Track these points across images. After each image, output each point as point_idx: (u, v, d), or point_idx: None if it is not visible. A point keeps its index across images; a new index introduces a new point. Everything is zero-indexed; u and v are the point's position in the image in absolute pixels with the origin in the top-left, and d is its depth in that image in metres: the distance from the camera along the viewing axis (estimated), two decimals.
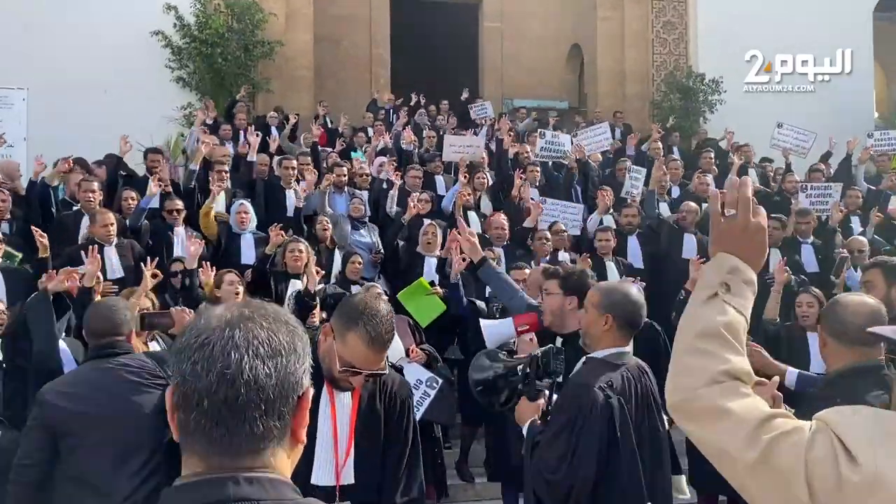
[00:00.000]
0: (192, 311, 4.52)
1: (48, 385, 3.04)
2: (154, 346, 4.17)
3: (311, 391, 1.11)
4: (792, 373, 3.91)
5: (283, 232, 6.31)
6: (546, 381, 2.74)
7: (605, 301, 2.80)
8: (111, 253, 6.07)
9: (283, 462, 1.07)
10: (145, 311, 4.25)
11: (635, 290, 2.91)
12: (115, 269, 5.99)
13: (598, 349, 2.81)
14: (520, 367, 2.80)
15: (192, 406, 1.01)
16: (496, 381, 2.85)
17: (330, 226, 7.11)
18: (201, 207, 7.30)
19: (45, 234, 5.64)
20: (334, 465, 2.45)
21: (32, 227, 5.69)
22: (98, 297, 4.88)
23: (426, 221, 7.16)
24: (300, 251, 5.96)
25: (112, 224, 6.18)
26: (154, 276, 4.80)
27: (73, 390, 2.96)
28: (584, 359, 2.87)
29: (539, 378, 2.74)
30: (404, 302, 5.72)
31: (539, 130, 10.53)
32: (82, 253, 5.30)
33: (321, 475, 2.44)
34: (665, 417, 2.76)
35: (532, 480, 2.70)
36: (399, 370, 5.11)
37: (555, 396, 2.77)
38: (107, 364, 3.02)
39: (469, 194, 8.13)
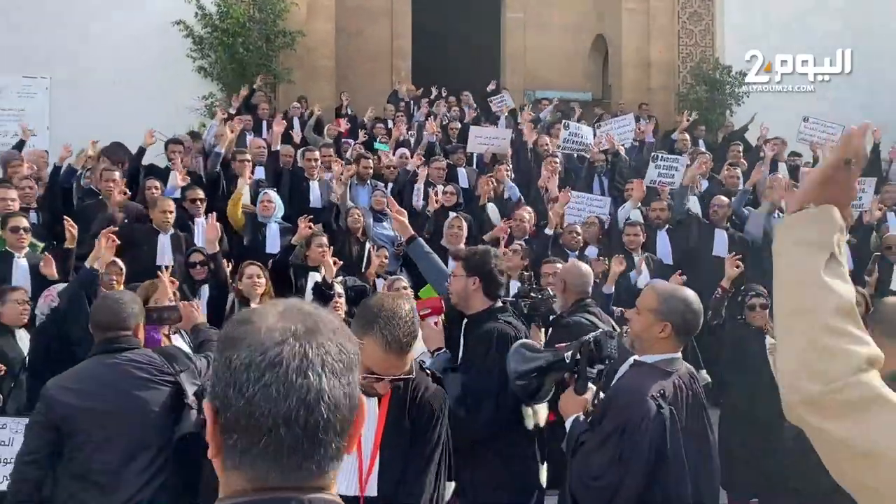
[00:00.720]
0: (198, 301, 4.44)
1: (53, 380, 2.99)
2: (177, 341, 4.08)
3: (365, 400, 1.04)
4: None
5: (311, 224, 6.22)
6: (598, 366, 2.66)
7: (664, 308, 2.68)
8: (164, 240, 6.08)
9: (335, 479, 1.00)
10: (152, 305, 4.15)
11: (693, 297, 2.77)
12: (167, 258, 5.97)
13: (649, 354, 2.70)
14: (568, 355, 2.71)
15: (262, 431, 0.92)
16: (546, 369, 2.75)
17: (361, 217, 7.02)
18: (224, 195, 7.26)
19: (75, 225, 5.59)
20: (358, 474, 2.33)
21: (64, 217, 5.63)
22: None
23: (451, 214, 7.04)
24: (324, 245, 5.89)
25: (171, 212, 6.23)
26: (171, 282, 4.64)
27: (79, 386, 2.90)
28: (631, 360, 2.77)
29: (592, 364, 2.65)
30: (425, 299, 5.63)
31: (563, 122, 10.36)
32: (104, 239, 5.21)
33: (344, 485, 2.30)
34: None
35: (572, 482, 2.63)
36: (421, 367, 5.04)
37: (600, 394, 2.70)
38: (113, 359, 2.96)
39: (493, 185, 8.01)
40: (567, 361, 2.69)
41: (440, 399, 2.46)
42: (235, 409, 0.93)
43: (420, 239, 3.97)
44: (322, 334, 0.97)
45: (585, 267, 4.30)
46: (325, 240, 6.03)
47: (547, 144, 9.72)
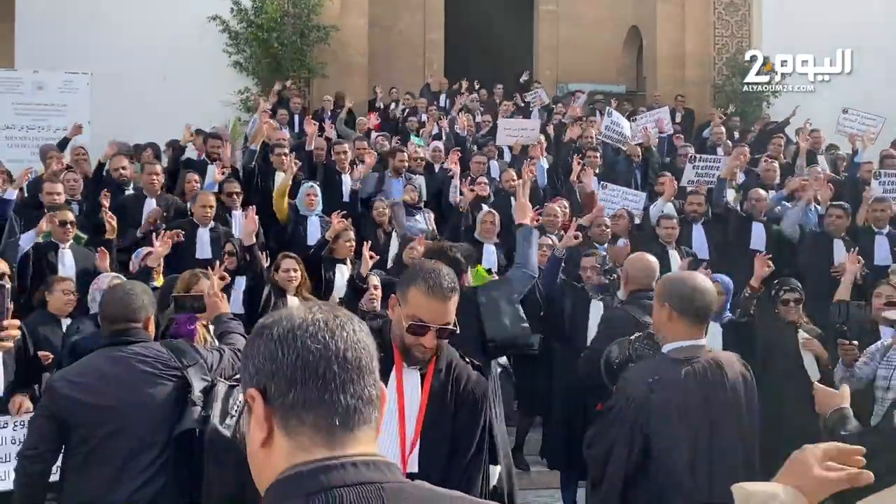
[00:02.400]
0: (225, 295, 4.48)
1: (59, 373, 2.93)
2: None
3: (386, 390, 1.14)
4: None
5: (344, 219, 6.30)
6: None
7: (664, 290, 2.72)
8: (204, 234, 6.19)
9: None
10: (178, 293, 4.16)
11: (698, 277, 2.77)
12: (205, 250, 6.08)
13: (668, 343, 2.70)
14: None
15: (317, 375, 1.03)
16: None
17: (387, 210, 7.08)
18: (259, 189, 7.37)
19: (115, 217, 5.74)
20: (400, 450, 2.36)
21: (103, 209, 5.79)
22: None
23: (485, 208, 7.07)
24: (353, 240, 5.99)
25: (211, 206, 6.33)
26: (222, 278, 4.70)
27: (84, 379, 2.82)
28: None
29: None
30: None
31: (607, 109, 10.28)
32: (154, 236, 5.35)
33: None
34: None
35: None
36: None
37: None
38: (120, 353, 2.87)
39: (529, 175, 8.02)
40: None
41: (483, 387, 2.52)
42: (289, 366, 1.03)
43: (528, 226, 3.84)
44: (342, 309, 1.13)
45: (651, 260, 4.23)
46: (352, 234, 6.11)
47: (591, 137, 9.71)
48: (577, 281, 5.90)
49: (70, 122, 8.98)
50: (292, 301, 5.19)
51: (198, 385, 2.88)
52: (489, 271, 6.13)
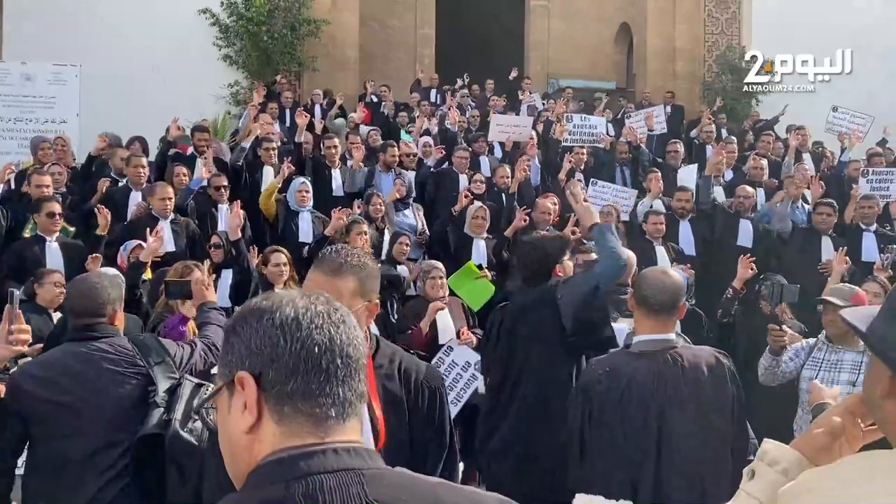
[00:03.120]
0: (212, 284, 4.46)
1: (20, 367, 2.87)
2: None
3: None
4: None
5: (344, 216, 6.23)
6: None
7: (634, 284, 2.90)
8: (165, 226, 6.14)
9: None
10: (169, 278, 4.12)
11: (661, 272, 2.85)
12: (168, 243, 6.06)
13: (637, 336, 2.81)
14: None
15: (319, 367, 1.04)
16: None
17: (383, 207, 7.08)
18: (250, 185, 7.35)
19: (109, 212, 5.72)
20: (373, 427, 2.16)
21: (98, 206, 5.76)
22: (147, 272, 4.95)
23: (476, 203, 7.07)
24: (366, 232, 5.94)
25: (171, 198, 6.25)
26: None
27: (45, 374, 2.72)
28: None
29: None
30: (455, 288, 5.68)
31: (567, 115, 10.28)
32: (147, 230, 5.32)
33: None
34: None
35: None
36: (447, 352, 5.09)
37: None
38: (84, 349, 2.76)
39: (522, 172, 8.04)
40: None
41: (438, 378, 2.32)
42: (292, 355, 1.04)
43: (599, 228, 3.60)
44: (341, 306, 1.14)
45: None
46: (365, 227, 6.04)
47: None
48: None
49: (58, 114, 8.96)
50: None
51: (163, 385, 2.79)
52: (480, 267, 6.14)
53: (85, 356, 2.75)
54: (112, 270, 4.54)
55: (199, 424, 2.64)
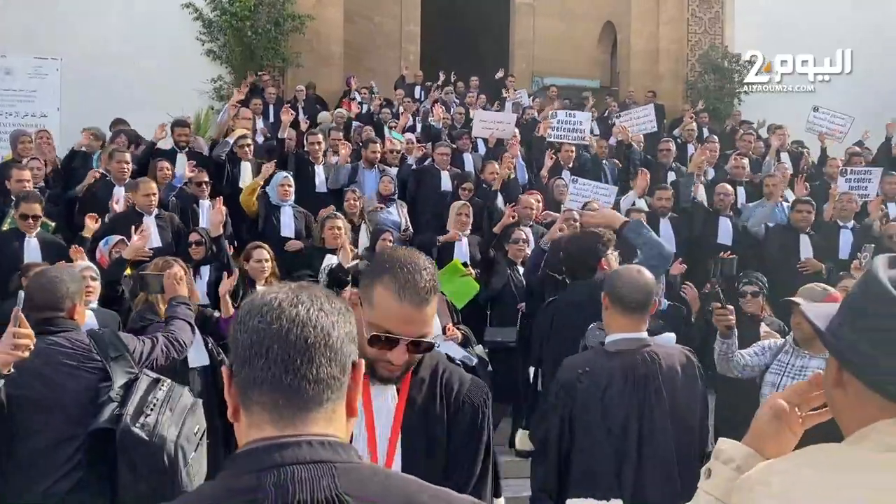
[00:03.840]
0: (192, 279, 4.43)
1: None
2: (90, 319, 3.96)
3: (363, 363, 1.14)
4: None
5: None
6: None
7: (605, 282, 2.85)
8: (150, 222, 6.11)
9: (343, 429, 1.10)
10: (143, 270, 4.15)
11: (634, 271, 2.82)
12: (153, 239, 6.03)
13: (609, 335, 2.81)
14: None
15: (261, 354, 1.05)
16: None
17: (359, 202, 7.07)
18: (230, 180, 7.34)
19: (98, 220, 5.71)
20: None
21: (88, 216, 5.70)
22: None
23: (459, 201, 7.08)
24: (339, 227, 5.92)
25: (154, 194, 6.22)
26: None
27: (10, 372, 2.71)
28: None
29: None
30: (448, 277, 5.70)
31: (551, 112, 10.32)
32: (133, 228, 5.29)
33: None
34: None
35: None
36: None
37: None
38: (41, 343, 2.75)
39: (507, 169, 8.06)
40: None
41: (482, 393, 1.99)
42: (241, 343, 1.07)
43: (633, 223, 3.66)
44: (313, 290, 1.14)
45: None
46: (340, 222, 6.06)
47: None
48: (561, 274, 5.97)
49: (38, 108, 8.87)
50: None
51: (119, 380, 2.80)
52: (465, 265, 6.17)
53: (42, 350, 2.74)
54: (83, 264, 4.50)
55: (150, 419, 2.67)
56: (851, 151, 9.72)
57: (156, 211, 6.20)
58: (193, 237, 5.77)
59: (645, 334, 2.78)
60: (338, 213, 6.31)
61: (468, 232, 6.85)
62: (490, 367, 5.65)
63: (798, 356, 3.53)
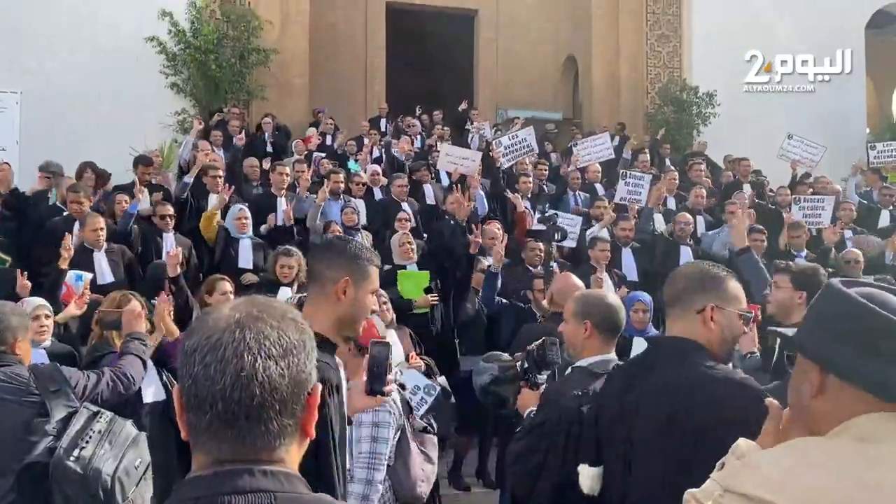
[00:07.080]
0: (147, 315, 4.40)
1: None
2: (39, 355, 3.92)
3: (320, 387, 1.13)
4: None
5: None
6: (545, 373, 2.80)
7: (582, 308, 2.83)
8: (101, 258, 6.01)
9: (295, 457, 1.10)
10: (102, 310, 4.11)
11: (612, 295, 2.92)
12: (105, 273, 5.92)
13: (582, 358, 2.81)
14: (518, 364, 2.86)
15: (205, 408, 1.03)
16: (497, 381, 2.86)
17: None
18: (196, 212, 7.28)
19: (70, 249, 5.53)
20: None
21: (63, 247, 5.47)
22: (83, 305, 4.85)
23: (400, 231, 7.06)
24: (290, 267, 5.86)
25: (102, 228, 6.12)
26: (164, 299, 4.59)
27: None
28: (569, 369, 2.87)
29: (539, 370, 2.80)
30: (401, 278, 6.06)
31: (495, 140, 10.48)
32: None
33: None
34: None
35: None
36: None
37: None
38: None
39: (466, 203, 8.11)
40: (518, 370, 2.81)
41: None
42: (186, 390, 1.05)
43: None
44: (264, 321, 1.07)
45: (576, 281, 4.32)
46: (293, 260, 5.85)
47: (526, 165, 9.88)
48: (525, 302, 6.02)
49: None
50: None
51: (58, 413, 2.79)
52: (428, 290, 6.24)
53: None
54: (36, 301, 4.41)
55: (86, 452, 2.65)
56: (799, 181, 10.03)
57: (104, 245, 6.10)
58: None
59: (615, 356, 2.83)
60: (292, 250, 6.20)
61: (415, 259, 6.76)
62: (453, 399, 5.65)
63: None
